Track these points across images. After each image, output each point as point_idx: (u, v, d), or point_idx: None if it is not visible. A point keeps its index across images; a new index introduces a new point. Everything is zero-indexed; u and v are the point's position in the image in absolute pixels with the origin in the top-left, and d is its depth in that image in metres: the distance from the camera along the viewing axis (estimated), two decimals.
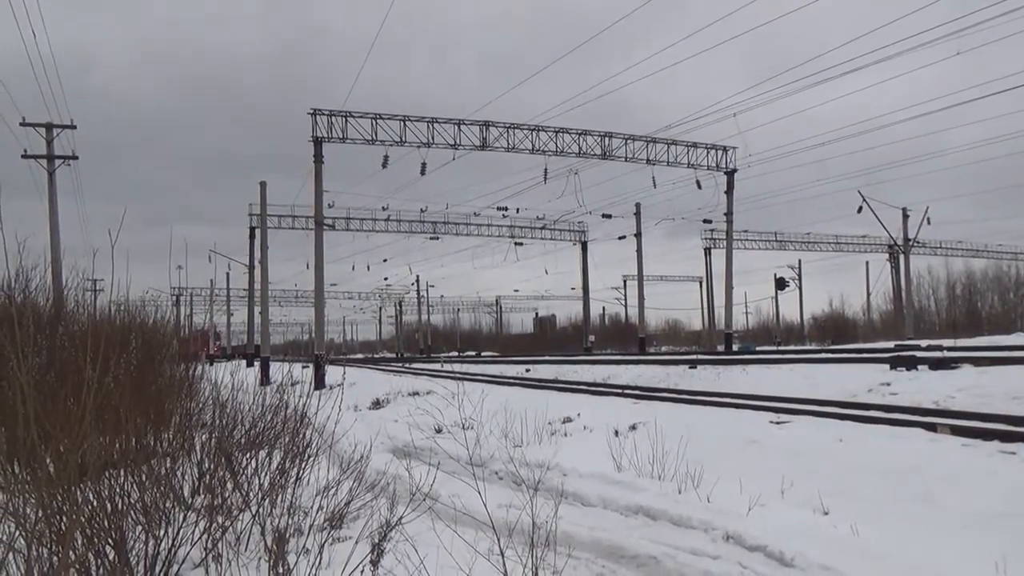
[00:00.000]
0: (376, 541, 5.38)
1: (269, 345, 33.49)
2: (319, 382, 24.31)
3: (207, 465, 5.81)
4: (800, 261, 70.86)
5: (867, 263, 65.01)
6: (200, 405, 7.42)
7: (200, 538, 5.04)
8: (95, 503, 4.46)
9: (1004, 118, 40.32)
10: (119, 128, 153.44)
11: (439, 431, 11.89)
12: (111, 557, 4.45)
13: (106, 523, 4.47)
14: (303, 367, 20.14)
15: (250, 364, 38.66)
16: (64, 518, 4.22)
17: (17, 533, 3.95)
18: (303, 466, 6.48)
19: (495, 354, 63.96)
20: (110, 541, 4.50)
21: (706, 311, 66.41)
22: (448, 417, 11.89)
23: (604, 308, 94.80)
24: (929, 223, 49.68)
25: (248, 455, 6.26)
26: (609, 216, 46.03)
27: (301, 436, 6.77)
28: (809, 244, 60.38)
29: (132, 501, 4.74)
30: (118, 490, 4.62)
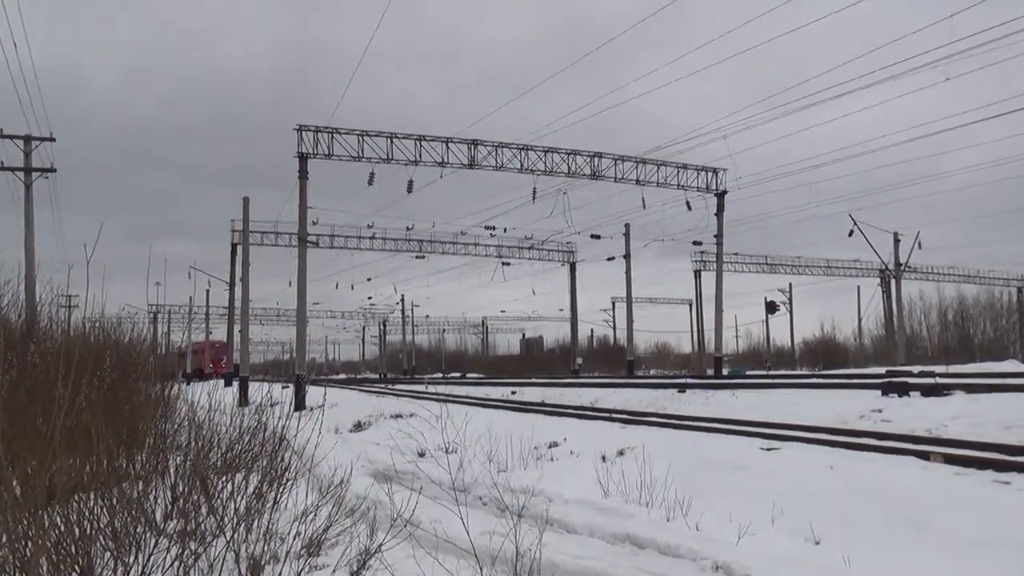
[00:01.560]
0: (355, 569, 5.30)
1: (249, 364, 33.23)
2: (299, 403, 24.16)
3: (181, 488, 5.72)
4: (791, 285, 71.33)
5: (858, 287, 65.53)
6: (175, 426, 7.33)
7: (171, 565, 4.94)
8: (62, 528, 4.37)
9: (996, 144, 40.89)
10: (107, 142, 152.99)
11: (422, 455, 11.79)
12: None
13: (73, 549, 4.38)
14: (283, 387, 19.98)
15: (228, 384, 38.37)
16: (29, 543, 4.13)
17: None
18: (281, 490, 6.39)
19: (481, 376, 63.76)
20: (77, 568, 4.41)
21: (696, 334, 66.61)
22: (431, 441, 11.81)
23: (592, 330, 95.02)
24: (920, 248, 50.17)
25: (224, 478, 6.16)
26: (598, 237, 46.14)
27: (279, 459, 6.69)
28: (800, 268, 60.77)
29: (101, 526, 4.65)
30: (87, 514, 4.53)
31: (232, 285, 46.84)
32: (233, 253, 46.78)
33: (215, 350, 67.24)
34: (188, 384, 15.88)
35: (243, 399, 21.68)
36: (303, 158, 29.71)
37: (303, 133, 29.88)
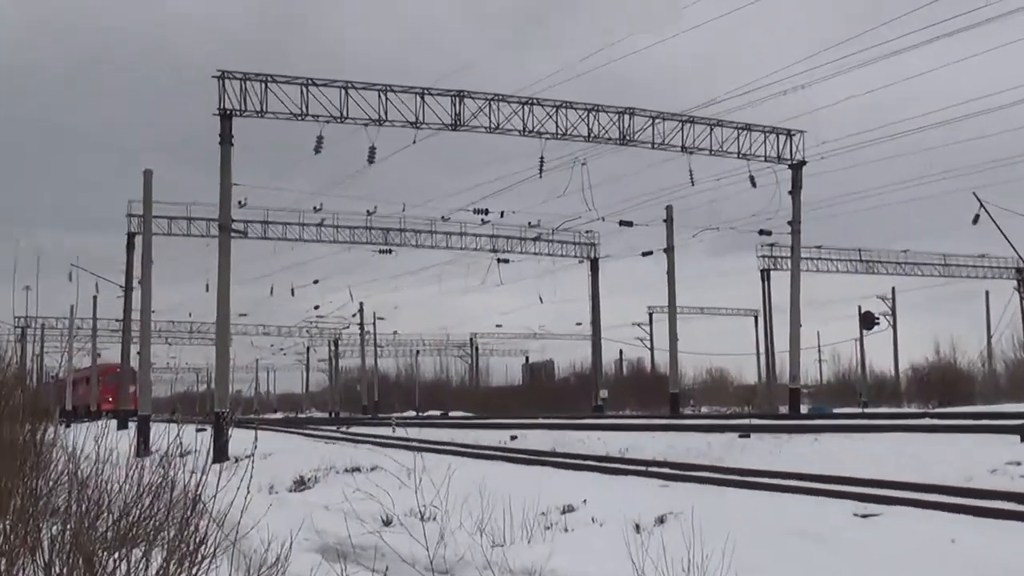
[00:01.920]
0: None
1: (150, 399, 33.23)
2: (220, 452, 24.12)
3: (58, 569, 5.72)
4: (894, 289, 71.27)
5: (987, 293, 65.48)
6: (51, 483, 7.32)
7: None
8: None
9: None
10: None
11: (388, 523, 11.76)
12: None
13: None
14: (198, 430, 19.93)
15: (123, 425, 38.32)
16: None
17: None
18: (195, 571, 6.38)
19: (469, 415, 63.73)
20: None
21: (763, 358, 66.68)
22: (401, 503, 11.80)
23: (622, 351, 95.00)
24: None
25: (116, 555, 6.16)
26: (629, 224, 46.16)
27: (193, 529, 6.67)
28: (907, 266, 60.90)
29: None
30: None
31: (128, 289, 46.90)
32: (130, 246, 46.84)
33: (110, 378, 66.51)
34: (69, 426, 15.83)
35: (143, 446, 21.65)
36: (226, 116, 29.76)
37: (226, 82, 29.93)
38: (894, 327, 71.87)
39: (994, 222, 45.89)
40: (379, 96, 31.67)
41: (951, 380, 64.98)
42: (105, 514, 6.66)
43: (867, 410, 46.48)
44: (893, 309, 71.75)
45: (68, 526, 6.17)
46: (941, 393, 59.43)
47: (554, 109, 33.85)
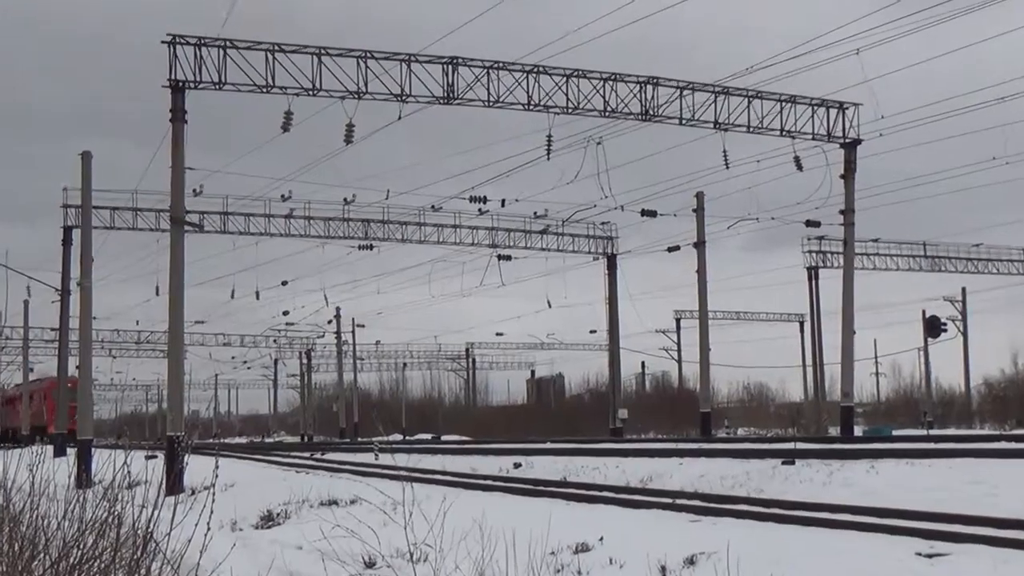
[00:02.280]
0: None
1: (92, 421, 33.26)
2: (175, 483, 24.17)
3: None
4: (965, 290, 71.32)
5: None
6: None
7: None
8: None
9: None
10: None
11: (371, 564, 11.79)
12: None
13: None
14: (148, 458, 19.95)
15: (60, 452, 38.31)
16: None
17: None
18: None
19: (465, 439, 63.80)
20: None
21: (811, 371, 66.67)
22: (387, 542, 11.81)
23: (644, 364, 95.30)
24: None
25: None
26: (652, 213, 46.22)
27: (144, 572, 6.71)
28: (979, 262, 60.84)
29: None
30: None
31: (65, 293, 46.91)
32: (66, 241, 46.87)
33: (71, 392, 66.86)
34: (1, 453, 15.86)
35: (85, 476, 21.68)
36: (178, 88, 29.80)
37: (178, 48, 29.96)
38: (964, 334, 71.88)
39: None
40: (358, 64, 31.73)
41: None
42: (42, 555, 6.69)
43: (932, 432, 46.49)
44: (964, 313, 71.74)
45: None
46: (1020, 412, 59.45)
47: (564, 79, 33.89)
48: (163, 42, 29.93)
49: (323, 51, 31.40)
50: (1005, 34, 36.71)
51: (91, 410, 33.55)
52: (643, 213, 45.94)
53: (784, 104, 36.40)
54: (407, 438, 68.59)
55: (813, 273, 58.79)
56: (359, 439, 72.34)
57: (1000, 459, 20.62)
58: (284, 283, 61.22)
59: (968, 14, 31.90)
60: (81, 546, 6.88)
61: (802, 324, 77.05)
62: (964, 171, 53.82)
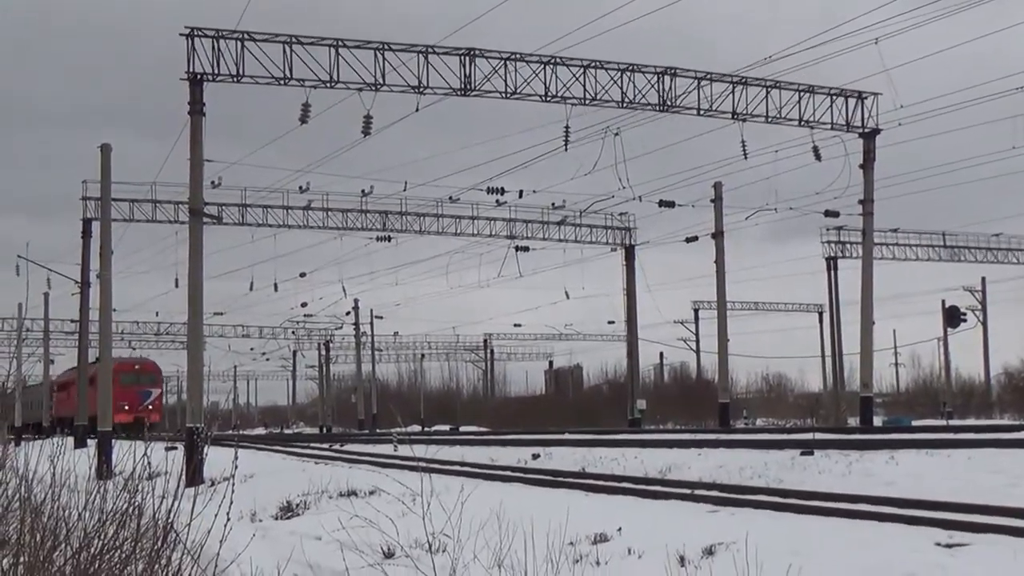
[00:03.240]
0: None
1: (111, 413, 33.42)
2: (194, 474, 24.26)
3: None
4: (984, 280, 71.15)
5: None
6: (1, 510, 7.39)
7: None
8: None
9: None
10: None
11: (390, 555, 11.83)
12: None
13: None
14: (168, 449, 20.04)
15: (81, 444, 38.49)
16: None
17: None
18: None
19: (483, 430, 63.88)
20: None
21: (830, 361, 66.51)
22: (406, 532, 11.84)
23: (662, 355, 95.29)
24: None
25: None
26: (671, 204, 46.18)
27: (164, 562, 6.74)
28: (1000, 252, 60.63)
29: None
30: None
31: (85, 284, 47.16)
32: (86, 234, 47.06)
33: (126, 378, 61.54)
34: (23, 444, 15.94)
35: (105, 467, 21.79)
36: (196, 81, 29.86)
37: (196, 40, 30.03)
38: (984, 324, 71.67)
39: None
40: (375, 56, 31.74)
41: None
42: (63, 546, 6.73)
43: (952, 422, 46.41)
44: (983, 303, 71.55)
45: (21, 559, 6.23)
46: None
47: (581, 70, 33.85)
48: (181, 35, 30.01)
49: (340, 43, 31.42)
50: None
51: (111, 400, 33.66)
52: (661, 204, 45.91)
53: (802, 94, 36.29)
54: (425, 429, 68.72)
55: (832, 263, 58.70)
56: (378, 430, 72.49)
57: (1020, 449, 20.55)
58: (302, 275, 61.18)
59: (988, 2, 31.74)
60: (102, 537, 6.91)
61: (821, 314, 76.97)
62: (984, 160, 53.68)
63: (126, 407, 58.18)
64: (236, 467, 7.77)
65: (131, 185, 45.73)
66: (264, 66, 30.74)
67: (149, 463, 7.95)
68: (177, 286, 46.46)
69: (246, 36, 30.53)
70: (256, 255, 57.29)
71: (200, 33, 30.06)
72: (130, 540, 6.91)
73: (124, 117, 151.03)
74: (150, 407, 63.18)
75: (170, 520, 7.00)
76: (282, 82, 31.00)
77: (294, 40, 31.01)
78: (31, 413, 70.54)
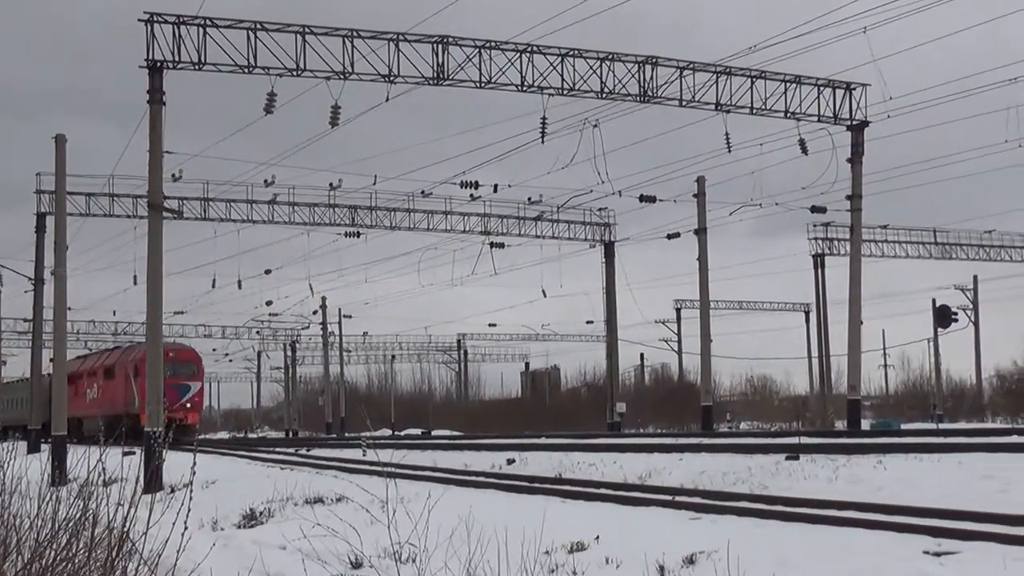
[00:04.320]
0: None
1: (66, 416, 33.23)
2: (152, 480, 24.17)
3: None
4: (976, 278, 71.52)
5: None
6: None
7: None
8: None
9: None
10: None
11: (357, 565, 11.81)
12: None
13: None
14: (125, 454, 19.95)
15: (34, 448, 38.33)
16: None
17: None
18: None
19: (456, 434, 63.91)
20: None
21: (816, 362, 66.74)
22: (373, 541, 11.83)
23: (643, 356, 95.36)
24: None
25: None
26: (651, 199, 46.28)
27: (119, 573, 6.72)
28: (992, 249, 60.94)
29: None
30: None
31: (39, 282, 46.86)
32: (40, 228, 46.78)
33: (168, 366, 52.37)
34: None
35: (59, 473, 21.66)
36: (155, 69, 29.70)
37: (156, 26, 29.89)
38: (976, 324, 72.09)
39: None
40: (344, 43, 31.65)
41: None
42: (13, 555, 6.70)
43: (942, 426, 46.65)
44: (975, 302, 71.96)
45: None
46: None
47: (559, 58, 33.83)
48: (140, 20, 29.84)
49: (307, 29, 31.31)
50: (1018, 11, 36.75)
51: (64, 402, 33.48)
52: (642, 199, 46.01)
53: (788, 85, 36.38)
54: (396, 433, 68.65)
55: (819, 261, 58.80)
56: (346, 434, 72.38)
57: (1012, 453, 20.70)
58: (267, 272, 61.06)
59: None
60: (54, 546, 6.89)
61: (807, 314, 77.22)
62: (976, 154, 54.02)
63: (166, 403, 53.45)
64: (195, 473, 7.75)
65: (87, 178, 45.58)
66: (227, 53, 30.61)
67: (104, 469, 7.93)
68: (136, 283, 46.48)
69: (208, 22, 30.38)
70: (219, 251, 57.45)
71: (160, 19, 29.92)
72: (84, 550, 6.89)
73: (83, 104, 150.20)
74: (188, 405, 56.13)
75: (126, 529, 6.98)
76: (246, 70, 30.89)
77: (258, 26, 30.88)
78: (12, 414, 65.84)
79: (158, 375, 30.61)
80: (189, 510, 6.81)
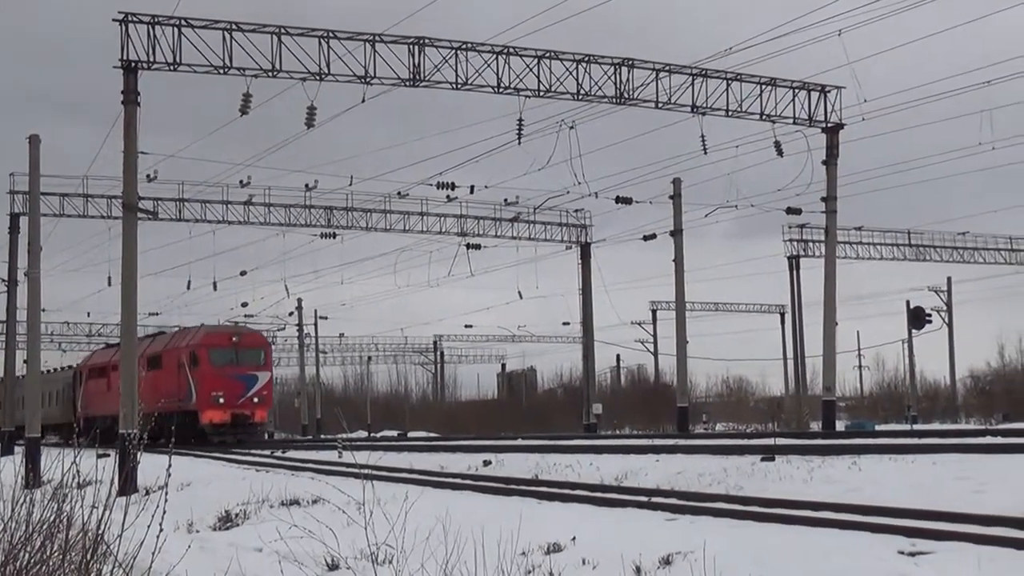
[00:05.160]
0: None
1: (40, 418, 33.07)
2: (127, 483, 24.07)
3: None
4: (950, 280, 71.92)
5: None
6: None
7: None
8: None
9: None
10: None
11: (334, 567, 11.79)
12: None
13: None
14: (99, 456, 19.87)
15: (7, 451, 38.11)
16: None
17: None
18: None
19: (433, 435, 63.81)
20: None
21: (792, 363, 66.99)
22: (349, 543, 11.81)
23: (619, 357, 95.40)
24: None
25: None
26: (628, 201, 46.37)
27: None
28: (966, 251, 61.28)
29: None
30: None
31: (13, 283, 46.62)
32: (13, 229, 46.55)
33: (231, 353, 47.87)
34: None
35: (33, 475, 21.55)
36: (130, 69, 29.59)
37: (130, 26, 29.77)
38: (950, 326, 72.47)
39: None
40: (320, 44, 31.61)
41: (1018, 390, 65.56)
42: None
43: (917, 427, 46.86)
44: (949, 304, 72.34)
45: None
46: (1006, 406, 60.01)
47: (535, 60, 33.86)
48: (115, 20, 29.73)
49: (283, 30, 31.25)
50: (991, 15, 36.99)
51: (39, 403, 33.32)
52: (618, 200, 46.06)
53: (764, 87, 36.49)
54: (372, 435, 68.50)
55: (794, 262, 59.02)
56: (322, 436, 72.17)
57: (986, 454, 20.78)
58: (243, 273, 60.80)
59: None
60: (28, 549, 6.85)
61: (783, 315, 77.47)
62: (950, 156, 54.26)
63: (221, 398, 46.20)
64: (170, 475, 7.72)
65: (62, 178, 45.35)
66: (203, 54, 30.55)
67: (79, 471, 7.89)
68: (110, 285, 46.23)
69: (183, 22, 30.29)
70: (194, 252, 56.96)
71: (135, 18, 29.81)
72: (58, 553, 6.85)
73: (57, 104, 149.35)
74: (255, 399, 48.37)
75: (100, 531, 6.94)
76: (221, 71, 30.82)
77: (234, 27, 30.81)
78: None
79: (132, 377, 30.49)
80: (164, 512, 6.79)
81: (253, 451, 48.17)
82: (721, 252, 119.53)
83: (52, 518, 7.12)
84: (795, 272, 59.42)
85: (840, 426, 42.43)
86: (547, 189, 46.67)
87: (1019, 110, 40.00)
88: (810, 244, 56.91)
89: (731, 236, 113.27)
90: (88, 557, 6.85)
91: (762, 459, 24.01)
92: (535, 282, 55.83)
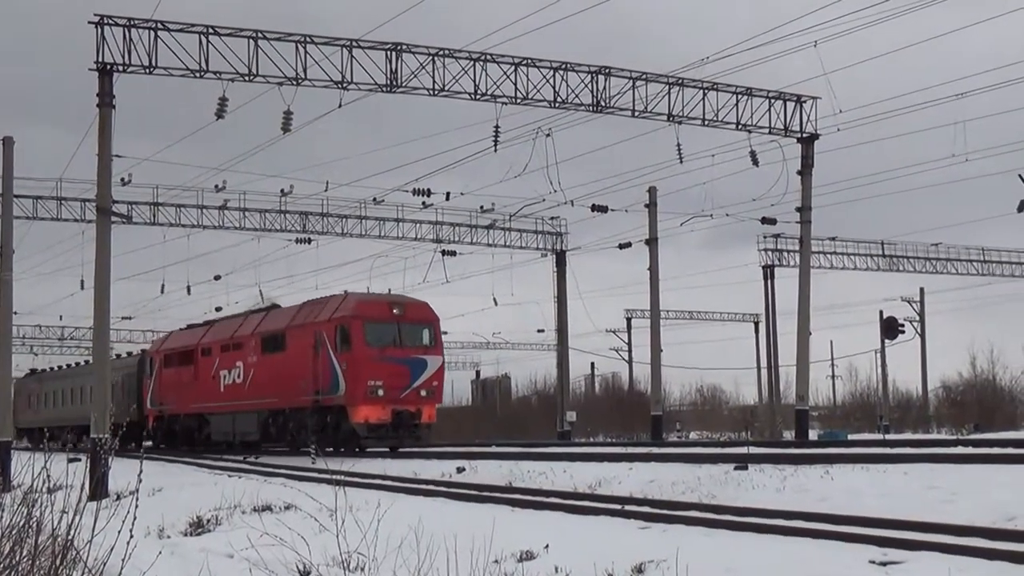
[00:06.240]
0: None
1: (11, 421, 32.86)
2: (98, 487, 23.96)
3: None
4: (923, 290, 72.18)
5: None
6: None
7: None
8: None
9: None
10: None
11: (305, 574, 11.73)
12: None
13: None
14: (70, 460, 19.79)
15: None
16: None
17: None
18: None
19: None
20: None
21: (766, 373, 67.17)
22: (321, 550, 11.78)
23: (594, 365, 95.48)
24: None
25: None
26: (603, 209, 46.39)
27: None
28: (938, 262, 61.57)
29: None
30: None
31: None
32: None
33: (393, 330, 35.93)
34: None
35: (2, 480, 21.43)
36: (106, 71, 29.49)
37: (106, 29, 29.66)
38: (922, 336, 72.76)
39: None
40: (296, 49, 31.56)
41: (989, 399, 65.96)
42: None
43: (889, 436, 47.07)
44: (921, 314, 72.65)
45: None
46: (978, 416, 60.27)
47: (512, 67, 33.90)
48: (90, 22, 29.63)
49: (260, 34, 31.19)
50: (965, 28, 37.39)
51: (10, 407, 33.12)
52: (594, 208, 46.10)
53: (740, 97, 36.61)
54: None
55: (768, 272, 59.14)
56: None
57: (957, 464, 20.86)
58: (217, 277, 60.60)
59: (930, 6, 32.29)
60: None
61: (757, 324, 77.68)
62: (924, 168, 54.59)
63: (380, 390, 35.15)
64: (141, 480, 7.68)
65: (35, 181, 45.11)
66: (179, 57, 30.47)
67: (49, 475, 7.84)
68: (83, 288, 45.99)
69: (160, 25, 30.20)
70: (168, 256, 56.68)
71: (110, 21, 29.71)
72: (27, 558, 6.81)
73: (31, 107, 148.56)
74: (423, 392, 37.07)
75: (70, 536, 6.90)
76: (197, 75, 30.75)
77: (211, 30, 30.74)
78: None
79: (105, 379, 30.36)
80: (135, 518, 6.75)
81: (225, 456, 48.00)
82: (696, 261, 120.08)
83: (22, 523, 7.07)
84: (770, 281, 59.59)
85: (813, 435, 42.56)
86: (523, 196, 46.70)
87: (991, 122, 40.33)
88: (785, 254, 57.09)
89: (706, 245, 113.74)
90: (57, 563, 6.81)
91: (735, 468, 24.05)
92: (510, 289, 55.84)
